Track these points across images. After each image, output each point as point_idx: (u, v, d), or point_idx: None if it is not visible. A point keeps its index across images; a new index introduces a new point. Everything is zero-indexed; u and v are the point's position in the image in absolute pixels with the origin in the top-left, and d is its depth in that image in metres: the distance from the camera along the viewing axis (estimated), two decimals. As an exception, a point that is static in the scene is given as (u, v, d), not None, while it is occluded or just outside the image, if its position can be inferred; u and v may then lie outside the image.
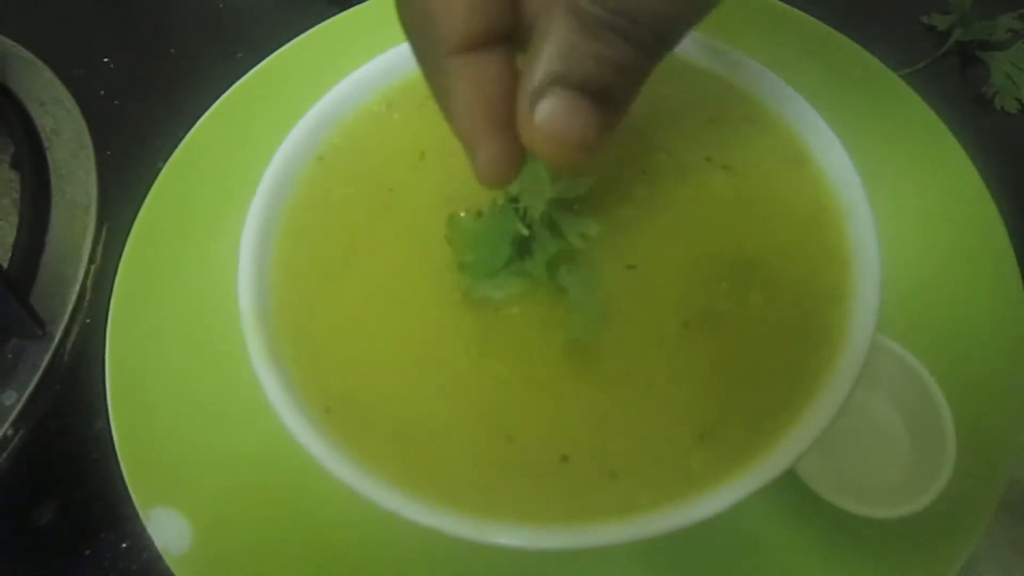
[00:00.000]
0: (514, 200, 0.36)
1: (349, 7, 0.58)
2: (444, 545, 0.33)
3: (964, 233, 0.49)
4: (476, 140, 0.31)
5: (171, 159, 0.52)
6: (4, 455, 0.48)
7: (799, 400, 0.34)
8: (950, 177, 0.50)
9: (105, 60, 0.64)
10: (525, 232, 0.36)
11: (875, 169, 0.40)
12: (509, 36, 0.31)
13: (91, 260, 0.54)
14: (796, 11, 0.57)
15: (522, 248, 0.36)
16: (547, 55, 0.28)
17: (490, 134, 0.31)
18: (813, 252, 0.38)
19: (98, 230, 0.55)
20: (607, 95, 0.29)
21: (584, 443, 0.34)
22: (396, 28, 0.31)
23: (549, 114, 0.29)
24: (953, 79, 0.62)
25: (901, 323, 0.42)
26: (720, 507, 0.32)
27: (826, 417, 0.33)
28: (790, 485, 0.39)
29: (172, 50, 0.65)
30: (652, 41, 0.29)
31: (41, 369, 0.49)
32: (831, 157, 0.40)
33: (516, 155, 0.31)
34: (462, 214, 0.38)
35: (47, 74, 0.62)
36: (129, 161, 0.58)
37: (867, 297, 0.36)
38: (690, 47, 0.44)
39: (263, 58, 0.56)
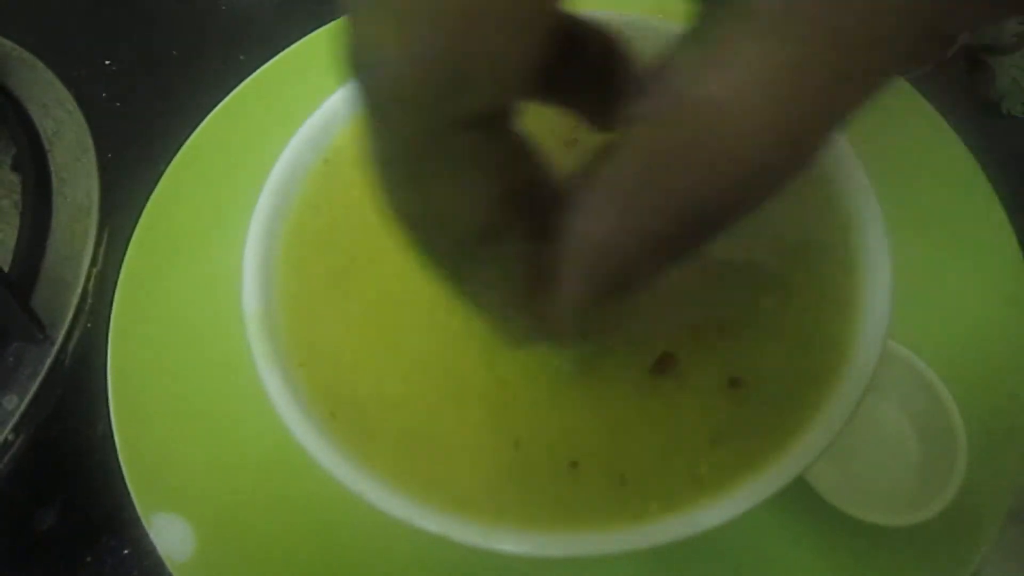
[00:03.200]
0: None
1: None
2: (450, 551, 0.33)
3: (971, 237, 0.49)
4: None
5: (174, 162, 0.52)
6: (5, 460, 0.47)
7: (810, 407, 0.34)
8: (957, 181, 0.50)
9: (107, 62, 0.64)
10: None
11: (881, 173, 0.40)
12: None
13: (93, 263, 0.53)
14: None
15: None
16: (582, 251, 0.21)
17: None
18: (822, 256, 0.38)
19: (100, 233, 0.55)
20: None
21: (594, 448, 0.33)
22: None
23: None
24: (959, 83, 0.62)
25: (909, 328, 0.41)
26: (730, 514, 0.31)
27: (837, 424, 0.33)
28: (800, 492, 0.39)
29: (175, 52, 0.65)
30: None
31: (42, 373, 0.49)
32: (837, 160, 0.40)
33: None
34: None
35: (48, 76, 0.61)
36: (131, 164, 0.57)
37: (877, 303, 0.36)
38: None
39: (267, 60, 0.56)
